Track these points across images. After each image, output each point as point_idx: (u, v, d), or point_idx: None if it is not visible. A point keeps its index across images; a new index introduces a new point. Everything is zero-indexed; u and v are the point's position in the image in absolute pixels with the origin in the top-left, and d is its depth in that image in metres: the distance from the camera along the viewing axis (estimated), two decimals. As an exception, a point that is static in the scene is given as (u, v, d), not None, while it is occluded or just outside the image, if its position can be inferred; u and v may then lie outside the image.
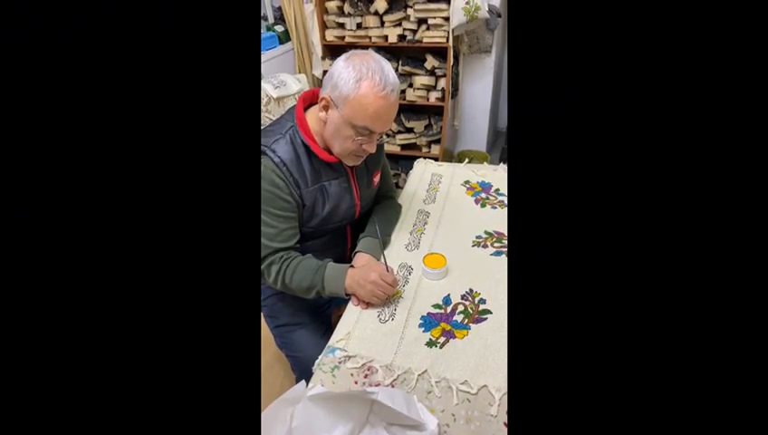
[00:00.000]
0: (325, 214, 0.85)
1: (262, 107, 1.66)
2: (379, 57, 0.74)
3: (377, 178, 0.94)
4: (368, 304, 0.78)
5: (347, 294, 0.80)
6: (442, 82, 1.83)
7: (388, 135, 2.03)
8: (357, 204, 0.89)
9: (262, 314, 0.99)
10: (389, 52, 1.85)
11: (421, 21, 1.73)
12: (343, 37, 1.87)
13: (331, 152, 0.82)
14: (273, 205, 0.78)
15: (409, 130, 1.97)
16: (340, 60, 0.74)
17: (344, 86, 0.71)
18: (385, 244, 0.94)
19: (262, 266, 0.81)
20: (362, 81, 0.70)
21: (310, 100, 0.84)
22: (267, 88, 1.67)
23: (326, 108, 0.76)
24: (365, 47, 1.83)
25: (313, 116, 0.81)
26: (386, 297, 0.77)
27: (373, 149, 0.78)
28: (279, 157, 0.77)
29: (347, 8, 1.79)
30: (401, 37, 1.78)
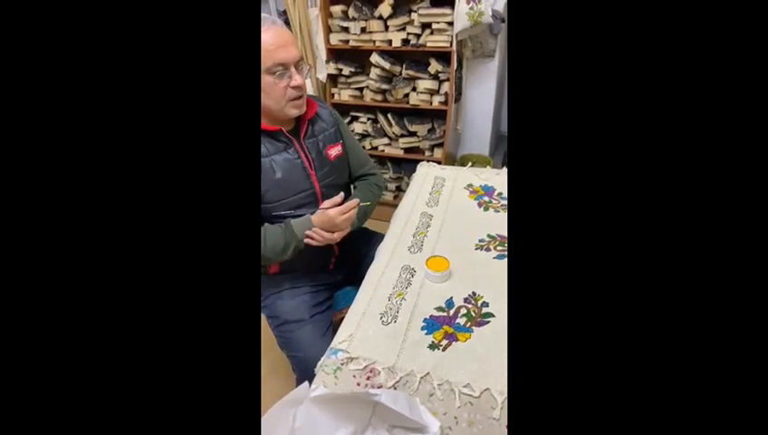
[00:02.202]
0: (278, 184, 0.87)
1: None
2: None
3: (333, 152, 0.97)
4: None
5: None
6: (445, 87, 1.83)
7: (391, 138, 2.03)
8: (311, 174, 0.92)
9: (264, 315, 0.99)
10: (393, 55, 1.86)
11: (425, 25, 1.74)
12: (347, 41, 1.88)
13: (270, 124, 0.86)
14: None
15: (412, 134, 1.98)
16: None
17: None
18: (366, 213, 1.01)
19: None
20: None
21: None
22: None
23: None
24: (369, 51, 1.84)
25: None
26: (352, 218, 0.89)
27: (299, 81, 0.81)
28: None
29: (351, 12, 1.80)
30: (405, 41, 1.79)
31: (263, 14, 0.79)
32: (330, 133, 0.97)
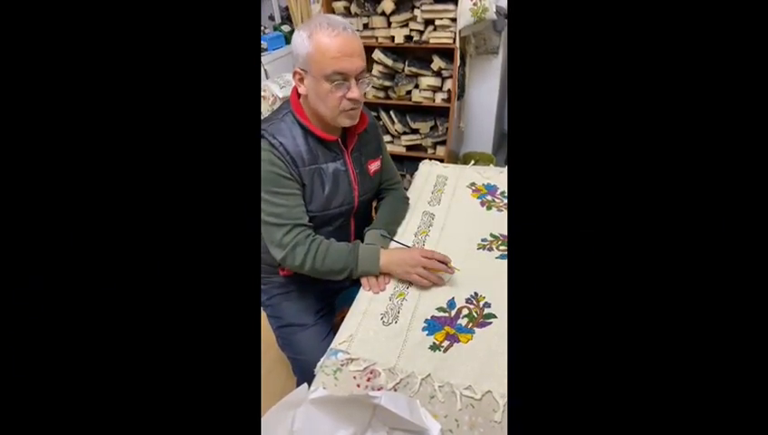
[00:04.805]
0: (325, 196, 0.85)
1: (268, 106, 1.67)
2: (323, 14, 0.78)
3: (373, 167, 0.95)
4: (382, 289, 0.82)
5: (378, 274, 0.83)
6: (448, 84, 1.82)
7: (393, 136, 2.02)
8: (355, 188, 0.90)
9: (265, 314, 0.99)
10: (396, 52, 1.85)
11: (428, 22, 1.73)
12: (350, 37, 1.87)
13: (327, 132, 0.84)
14: (277, 184, 0.79)
15: (415, 132, 1.97)
16: (294, 34, 0.79)
17: (302, 48, 0.75)
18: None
19: (284, 251, 0.80)
20: (314, 34, 0.74)
21: None
22: (273, 88, 1.66)
23: (301, 80, 0.79)
24: (371, 48, 1.83)
25: (305, 101, 0.83)
26: (435, 276, 0.80)
27: (356, 94, 0.78)
28: (275, 138, 0.79)
29: (354, 8, 1.78)
30: (408, 38, 1.78)
31: (335, 18, 0.76)
32: (372, 148, 0.94)
